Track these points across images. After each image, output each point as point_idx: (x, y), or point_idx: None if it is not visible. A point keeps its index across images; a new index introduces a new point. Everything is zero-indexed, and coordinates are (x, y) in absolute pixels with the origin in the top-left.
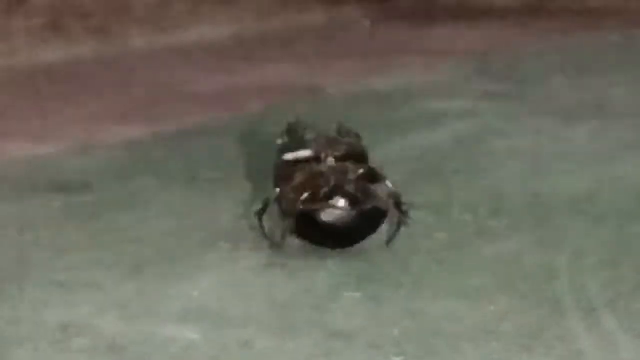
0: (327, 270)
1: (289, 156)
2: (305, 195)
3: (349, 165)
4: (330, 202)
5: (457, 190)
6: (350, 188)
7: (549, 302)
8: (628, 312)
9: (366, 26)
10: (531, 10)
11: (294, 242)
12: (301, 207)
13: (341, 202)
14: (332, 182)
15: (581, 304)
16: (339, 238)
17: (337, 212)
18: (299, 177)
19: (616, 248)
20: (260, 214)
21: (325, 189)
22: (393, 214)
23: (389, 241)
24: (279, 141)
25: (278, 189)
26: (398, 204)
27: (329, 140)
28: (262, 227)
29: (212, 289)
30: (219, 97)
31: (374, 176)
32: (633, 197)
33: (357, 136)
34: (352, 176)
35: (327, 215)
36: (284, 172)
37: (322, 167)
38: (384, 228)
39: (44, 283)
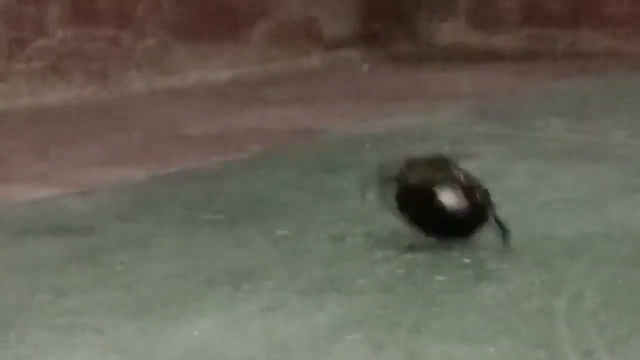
0: (327, 312)
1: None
2: (409, 164)
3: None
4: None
5: None
6: (459, 187)
7: (548, 344)
8: (626, 354)
9: (365, 70)
10: (528, 54)
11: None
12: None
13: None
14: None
15: (580, 346)
16: (439, 225)
17: (446, 197)
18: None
19: (614, 291)
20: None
21: (439, 174)
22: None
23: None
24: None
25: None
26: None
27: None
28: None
29: (212, 330)
30: (219, 140)
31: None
32: (630, 240)
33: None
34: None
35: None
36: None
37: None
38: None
39: (45, 326)
